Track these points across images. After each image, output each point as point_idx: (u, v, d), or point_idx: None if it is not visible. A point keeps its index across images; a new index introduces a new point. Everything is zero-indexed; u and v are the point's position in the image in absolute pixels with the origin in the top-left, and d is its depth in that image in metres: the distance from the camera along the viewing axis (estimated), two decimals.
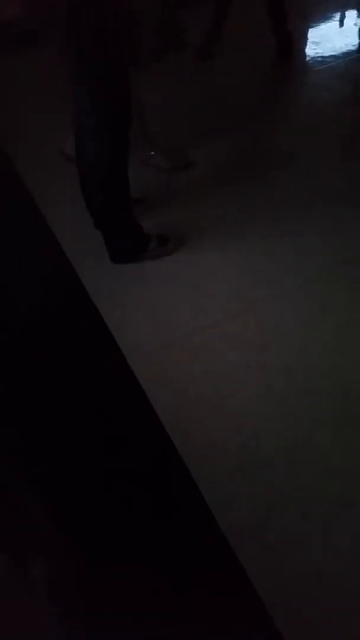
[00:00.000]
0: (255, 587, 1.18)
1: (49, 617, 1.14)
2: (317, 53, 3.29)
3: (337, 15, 3.71)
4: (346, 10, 3.76)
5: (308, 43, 3.46)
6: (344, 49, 3.31)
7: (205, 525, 1.29)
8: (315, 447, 1.43)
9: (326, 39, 3.45)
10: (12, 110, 2.98)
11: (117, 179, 1.85)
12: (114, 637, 1.12)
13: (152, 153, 2.46)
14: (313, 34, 3.56)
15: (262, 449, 1.43)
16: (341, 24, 3.65)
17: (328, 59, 3.23)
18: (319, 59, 3.24)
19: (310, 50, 3.36)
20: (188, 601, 1.18)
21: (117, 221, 1.97)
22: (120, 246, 2.03)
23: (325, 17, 3.70)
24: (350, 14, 3.73)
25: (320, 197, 2.25)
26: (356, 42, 3.38)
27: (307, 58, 3.30)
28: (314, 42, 3.44)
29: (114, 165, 1.82)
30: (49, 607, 1.15)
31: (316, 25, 3.65)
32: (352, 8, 3.79)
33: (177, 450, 1.44)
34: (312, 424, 1.48)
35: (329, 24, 3.65)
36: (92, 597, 1.18)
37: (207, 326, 1.77)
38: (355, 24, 3.59)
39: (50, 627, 1.11)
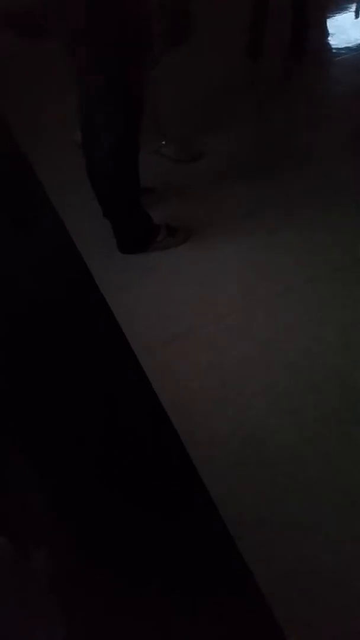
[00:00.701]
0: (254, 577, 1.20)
1: (49, 605, 1.16)
2: (332, 45, 3.24)
3: (353, 6, 3.64)
4: None
5: (322, 34, 3.41)
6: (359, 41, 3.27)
7: (208, 518, 1.31)
8: (319, 444, 1.44)
9: (341, 30, 3.41)
10: (23, 99, 2.96)
11: (127, 169, 1.84)
12: (114, 627, 1.14)
13: (163, 143, 2.45)
14: (328, 24, 3.51)
15: (266, 444, 1.45)
16: (357, 15, 3.58)
17: (342, 51, 3.20)
18: (334, 50, 3.20)
19: (325, 42, 3.31)
20: (188, 592, 1.19)
21: (126, 210, 1.97)
22: (129, 236, 2.03)
23: (340, 7, 3.65)
24: None
25: (331, 193, 2.23)
26: None
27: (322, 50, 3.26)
28: (329, 34, 3.39)
29: (125, 155, 1.81)
30: (49, 596, 1.17)
31: (331, 16, 3.59)
32: None
33: (181, 442, 1.45)
34: (316, 421, 1.49)
35: (344, 15, 3.60)
36: (92, 587, 1.20)
37: (213, 320, 1.77)
38: None
39: (51, 616, 1.13)
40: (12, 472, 1.33)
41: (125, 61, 1.56)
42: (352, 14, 3.58)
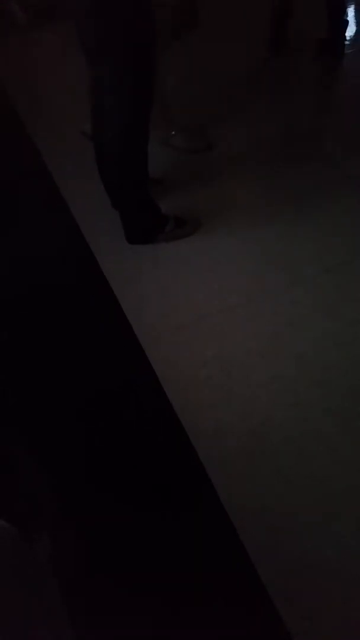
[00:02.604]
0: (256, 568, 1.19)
1: (51, 590, 1.16)
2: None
3: None
4: None
5: None
6: None
7: (211, 508, 1.30)
8: (323, 437, 1.42)
9: (355, 21, 3.36)
10: (34, 88, 2.96)
11: (136, 157, 1.84)
12: (115, 614, 1.14)
13: (173, 133, 2.44)
14: None
15: (270, 436, 1.44)
16: None
17: (357, 43, 3.16)
18: (346, 42, 3.16)
19: None
20: (189, 581, 1.19)
21: (134, 200, 1.96)
22: (137, 226, 2.02)
23: None
24: None
25: (343, 184, 2.21)
26: None
27: None
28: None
29: (135, 143, 1.80)
30: (53, 583, 1.17)
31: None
32: None
33: (185, 432, 1.45)
34: (322, 414, 1.47)
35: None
36: (93, 574, 1.21)
37: (221, 311, 1.76)
38: None
39: (53, 600, 1.13)
40: (15, 458, 1.34)
41: (134, 45, 1.55)
42: None
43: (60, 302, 1.85)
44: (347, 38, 3.13)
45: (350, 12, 3.49)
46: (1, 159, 2.56)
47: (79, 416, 1.52)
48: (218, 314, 1.76)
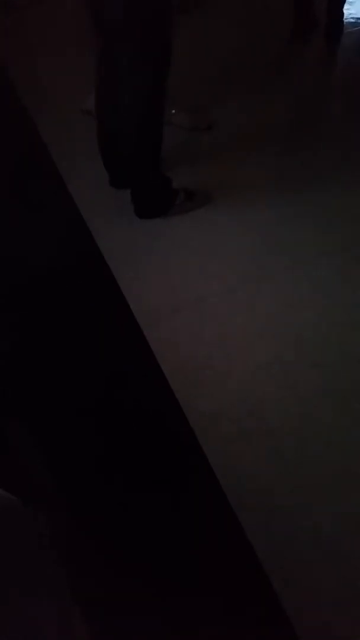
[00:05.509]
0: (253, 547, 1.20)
1: (54, 565, 1.17)
2: (351, 14, 3.14)
3: None
4: None
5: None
6: None
7: (208, 487, 1.31)
8: (321, 419, 1.43)
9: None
10: (32, 66, 2.91)
11: (155, 128, 1.82)
12: (113, 592, 1.16)
13: (173, 112, 2.40)
14: None
15: (268, 418, 1.44)
16: None
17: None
18: (352, 20, 3.11)
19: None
20: (186, 560, 1.20)
21: (148, 172, 1.94)
22: (148, 200, 1.99)
23: None
24: None
25: (347, 165, 2.19)
26: None
27: None
28: (347, 2, 3.28)
29: (153, 111, 1.79)
30: (54, 553, 1.18)
31: None
32: None
33: (183, 413, 1.45)
34: (319, 396, 1.48)
35: None
36: (92, 553, 1.21)
37: (220, 292, 1.76)
38: None
39: (57, 575, 1.14)
40: (16, 437, 1.34)
41: (157, 20, 1.54)
42: None
43: (58, 282, 1.84)
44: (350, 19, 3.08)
45: None
46: None
47: (76, 396, 1.51)
48: (218, 295, 1.75)
